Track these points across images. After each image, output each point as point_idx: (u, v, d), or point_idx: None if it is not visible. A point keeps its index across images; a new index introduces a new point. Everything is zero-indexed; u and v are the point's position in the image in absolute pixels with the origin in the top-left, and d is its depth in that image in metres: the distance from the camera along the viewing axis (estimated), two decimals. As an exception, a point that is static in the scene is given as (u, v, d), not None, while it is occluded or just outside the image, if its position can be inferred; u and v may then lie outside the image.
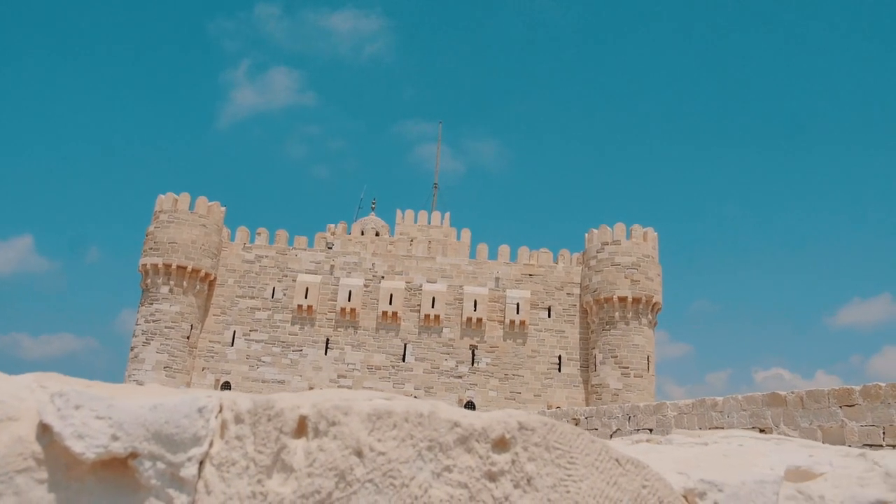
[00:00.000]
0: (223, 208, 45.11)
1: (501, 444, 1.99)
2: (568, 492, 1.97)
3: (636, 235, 43.82)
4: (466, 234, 48.43)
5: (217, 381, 42.54)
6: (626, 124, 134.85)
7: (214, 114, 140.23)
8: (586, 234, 45.75)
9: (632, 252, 43.31)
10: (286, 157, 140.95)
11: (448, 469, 1.92)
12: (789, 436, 15.93)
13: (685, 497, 2.13)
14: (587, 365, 44.20)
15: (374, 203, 56.31)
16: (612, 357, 42.04)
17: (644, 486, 2.04)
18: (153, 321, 41.49)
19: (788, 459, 2.87)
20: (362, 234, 49.62)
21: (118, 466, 1.80)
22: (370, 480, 1.86)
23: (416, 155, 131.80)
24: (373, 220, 53.75)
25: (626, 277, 42.72)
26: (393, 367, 44.10)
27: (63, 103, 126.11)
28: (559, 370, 44.51)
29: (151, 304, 41.88)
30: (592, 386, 42.84)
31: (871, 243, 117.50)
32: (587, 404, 42.51)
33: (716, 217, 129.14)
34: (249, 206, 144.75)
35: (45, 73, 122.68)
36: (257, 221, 72.86)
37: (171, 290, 41.96)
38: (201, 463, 1.83)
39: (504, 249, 46.70)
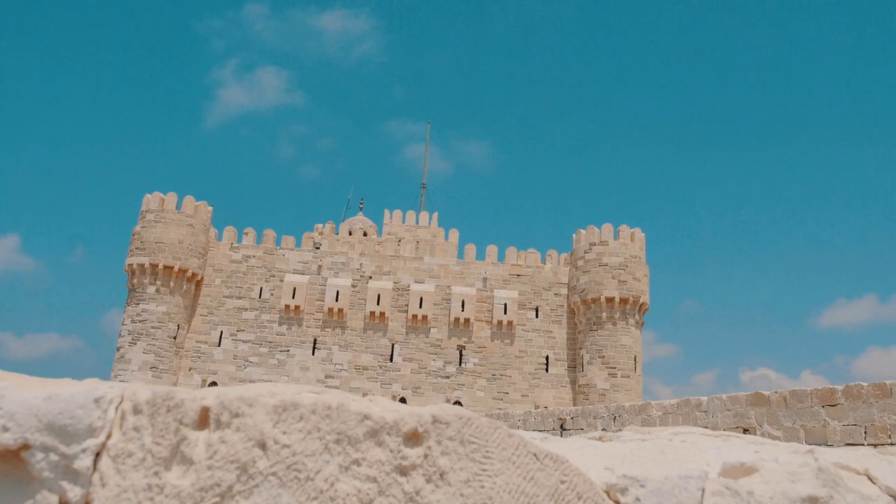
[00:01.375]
0: (210, 208, 44.95)
1: (414, 438, 1.94)
2: (482, 487, 1.92)
3: (623, 236, 43.86)
4: (454, 234, 48.38)
5: (204, 381, 42.37)
6: (615, 125, 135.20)
7: (202, 113, 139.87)
8: (574, 235, 45.78)
9: (619, 252, 43.34)
10: (274, 156, 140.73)
11: (357, 463, 1.87)
12: (773, 435, 15.99)
13: (607, 493, 2.09)
14: (574, 365, 44.21)
15: (361, 203, 56.28)
16: (599, 357, 42.06)
17: (562, 482, 2.00)
18: (140, 321, 41.29)
19: (731, 456, 2.83)
20: (350, 234, 49.52)
21: (10, 458, 1.74)
22: (273, 473, 1.81)
23: (405, 155, 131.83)
24: (361, 221, 53.66)
25: (613, 278, 42.75)
26: (380, 367, 44.02)
27: (50, 102, 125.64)
28: (547, 370, 44.51)
29: (138, 304, 41.67)
30: (580, 386, 42.85)
31: (857, 245, 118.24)
32: (574, 404, 42.52)
33: (703, 218, 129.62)
34: (237, 206, 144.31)
35: (32, 72, 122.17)
36: (245, 221, 72.67)
37: (157, 290, 41.76)
38: (98, 455, 1.78)
39: (492, 250, 46.67)
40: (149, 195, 43.56)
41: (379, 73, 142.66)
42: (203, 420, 1.85)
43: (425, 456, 1.92)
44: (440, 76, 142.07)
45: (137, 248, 42.28)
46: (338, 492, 1.83)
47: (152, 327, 41.14)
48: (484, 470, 1.95)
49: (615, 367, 41.65)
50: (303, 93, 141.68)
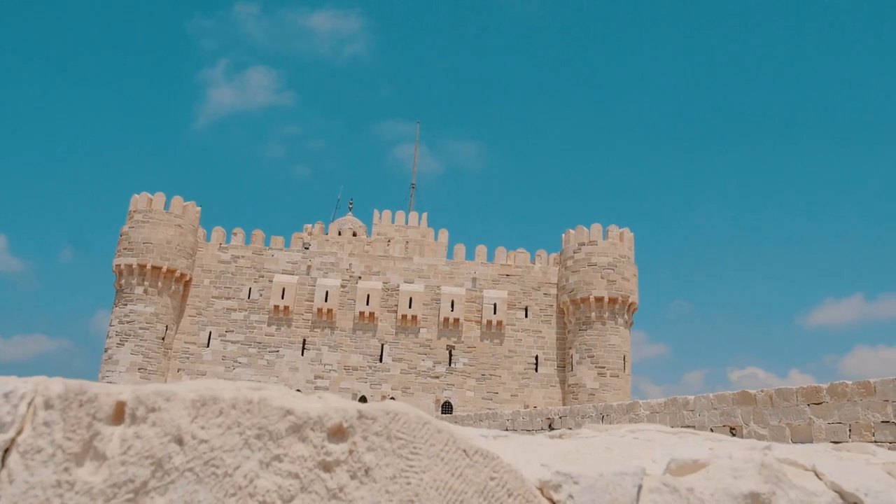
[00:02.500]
0: (198, 208, 44.80)
1: (339, 434, 1.90)
2: (409, 483, 1.89)
3: (612, 236, 43.91)
4: (444, 234, 48.35)
5: (192, 382, 42.16)
6: (604, 126, 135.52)
7: (192, 113, 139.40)
8: (563, 235, 45.81)
9: (608, 252, 43.39)
10: (264, 156, 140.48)
11: (278, 458, 1.83)
12: (759, 434, 16.01)
13: (541, 489, 2.05)
14: (564, 365, 44.24)
15: (351, 203, 56.21)
16: (588, 357, 42.10)
17: (492, 478, 1.96)
18: (127, 322, 41.11)
19: (683, 453, 2.80)
20: (339, 234, 49.43)
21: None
22: (190, 469, 1.77)
23: (395, 155, 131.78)
24: (350, 221, 53.57)
25: (602, 278, 42.80)
26: (370, 367, 43.95)
27: (38, 101, 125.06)
28: (536, 370, 44.53)
29: (126, 304, 41.49)
30: (569, 386, 42.87)
31: (845, 245, 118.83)
32: (564, 404, 42.54)
33: (692, 218, 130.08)
34: (226, 207, 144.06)
35: (21, 71, 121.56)
36: (234, 222, 72.44)
37: (145, 291, 41.59)
38: (7, 451, 1.73)
39: (481, 250, 46.66)
40: (137, 195, 43.36)
41: (369, 73, 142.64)
42: (118, 415, 1.81)
43: (350, 452, 1.88)
44: (430, 76, 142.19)
45: (125, 249, 42.09)
46: (257, 488, 1.79)
47: (140, 328, 40.97)
48: (411, 466, 1.91)
49: (604, 367, 41.69)
50: (293, 93, 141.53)
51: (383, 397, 43.28)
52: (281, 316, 44.38)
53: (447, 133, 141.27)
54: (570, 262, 44.43)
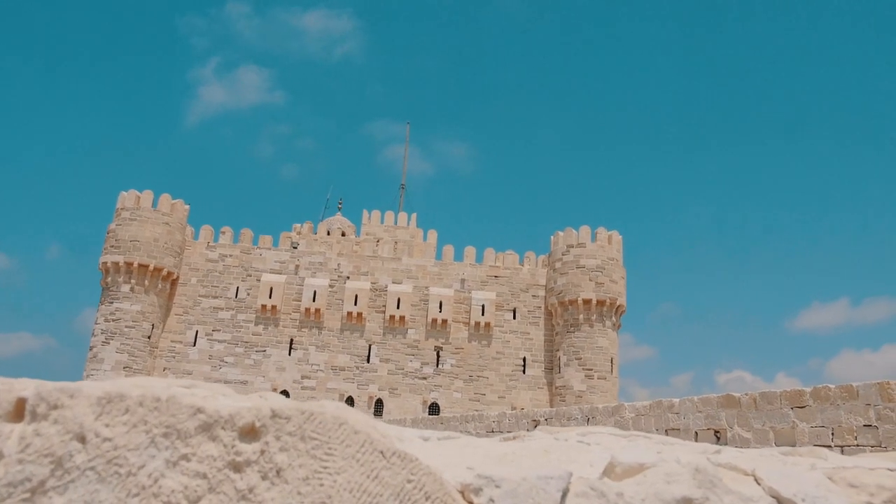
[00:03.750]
0: (187, 206, 44.61)
1: (251, 433, 1.86)
2: (321, 485, 1.84)
3: (601, 238, 43.97)
4: (433, 235, 48.32)
5: (178, 380, 41.99)
6: (594, 128, 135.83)
7: (182, 111, 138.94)
8: (552, 237, 45.85)
9: (596, 255, 43.44)
10: (254, 155, 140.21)
11: (186, 458, 1.79)
12: (743, 437, 16.02)
13: (462, 493, 2.01)
14: (551, 367, 44.26)
15: (340, 203, 56.13)
16: (576, 359, 42.14)
17: (409, 481, 1.92)
18: (113, 320, 40.91)
19: (626, 456, 2.76)
20: (328, 234, 49.32)
21: None
22: (92, 468, 1.72)
23: (386, 156, 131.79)
24: (339, 221, 53.46)
25: (590, 280, 42.84)
26: (357, 367, 43.87)
27: (27, 97, 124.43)
28: (524, 372, 44.54)
29: (112, 302, 41.28)
30: (556, 388, 42.89)
31: (831, 249, 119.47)
32: (551, 406, 42.54)
33: (680, 221, 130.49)
34: (215, 205, 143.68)
35: (9, 67, 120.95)
36: (223, 220, 72.31)
37: (132, 289, 41.39)
38: None
39: (470, 251, 46.64)
40: (124, 193, 43.16)
41: (360, 73, 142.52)
42: (18, 412, 1.76)
43: (262, 452, 1.84)
44: (421, 77, 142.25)
45: (112, 246, 41.89)
46: (162, 488, 1.75)
47: (126, 326, 40.77)
48: (325, 467, 1.87)
49: (592, 369, 41.74)
50: (284, 92, 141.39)
51: (370, 398, 43.22)
52: (268, 315, 44.25)
53: (437, 134, 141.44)
54: (558, 264, 44.46)
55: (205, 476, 1.79)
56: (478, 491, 1.99)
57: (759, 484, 2.51)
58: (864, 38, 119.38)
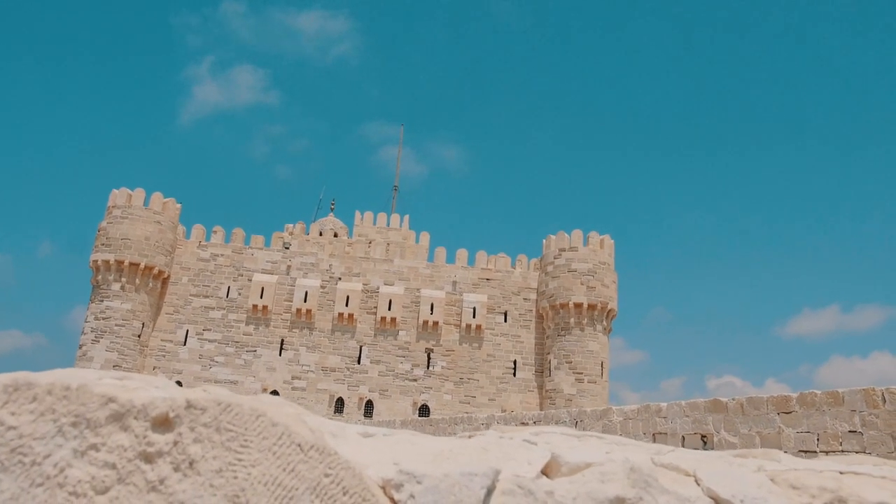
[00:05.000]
0: (179, 205, 44.51)
1: (164, 424, 1.82)
2: (235, 477, 1.81)
3: (593, 242, 44.00)
4: (425, 237, 48.29)
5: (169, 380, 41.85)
6: (587, 133, 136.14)
7: (176, 110, 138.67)
8: (544, 240, 45.86)
9: (588, 259, 43.45)
10: (248, 155, 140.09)
11: (95, 447, 1.76)
12: (730, 442, 16.02)
13: (383, 488, 1.98)
14: (542, 370, 44.26)
15: (333, 204, 56.00)
16: (566, 362, 42.12)
17: (327, 475, 1.89)
18: (103, 318, 40.76)
19: (573, 456, 2.73)
20: (320, 234, 49.22)
21: None
22: (-6, 458, 1.68)
23: (379, 157, 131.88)
24: (331, 221, 53.38)
25: (582, 284, 42.84)
26: (348, 368, 43.79)
27: (20, 94, 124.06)
28: (514, 375, 44.52)
29: (102, 301, 41.14)
30: (547, 391, 42.87)
31: (822, 256, 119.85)
32: (542, 409, 42.51)
33: (672, 227, 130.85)
34: (208, 205, 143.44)
35: (1, 64, 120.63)
36: (215, 220, 72.23)
37: (122, 287, 41.26)
38: None
39: (462, 253, 46.61)
40: (116, 190, 43.04)
41: (355, 74, 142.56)
42: (-79, 400, 1.72)
43: (175, 443, 1.81)
44: (416, 80, 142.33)
45: (103, 245, 41.76)
46: (68, 478, 1.72)
47: (116, 325, 40.64)
48: (239, 460, 1.84)
49: (582, 373, 41.73)
50: (279, 92, 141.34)
51: (361, 399, 43.14)
52: (259, 316, 44.16)
53: (431, 136, 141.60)
54: (550, 268, 44.46)
55: (114, 466, 1.76)
56: (398, 487, 1.96)
57: (699, 485, 2.48)
58: (847, 49, 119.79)
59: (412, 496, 1.95)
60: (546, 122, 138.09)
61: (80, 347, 40.69)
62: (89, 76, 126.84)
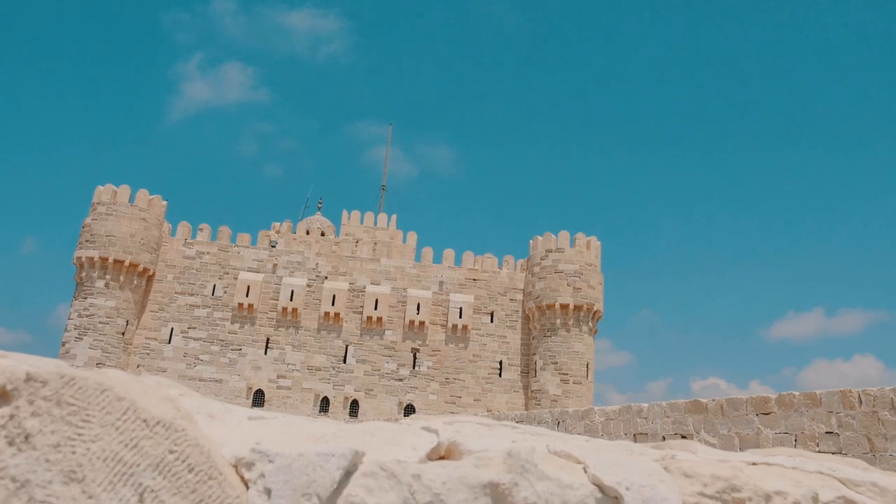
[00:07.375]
0: (164, 202, 44.31)
1: (2, 396, 1.78)
2: (74, 453, 1.76)
3: (580, 244, 44.03)
4: (412, 237, 48.26)
5: (152, 377, 41.67)
6: (575, 134, 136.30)
7: (164, 107, 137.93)
8: (531, 241, 45.88)
9: (575, 260, 43.49)
10: (236, 153, 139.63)
11: (-77, 421, 1.71)
12: (710, 442, 16.02)
13: (235, 467, 1.94)
14: (528, 370, 44.26)
15: (320, 203, 55.95)
16: (552, 363, 42.14)
17: (171, 452, 1.85)
18: (87, 316, 40.56)
19: (479, 444, 2.70)
20: (307, 233, 49.13)
21: None
22: None
23: (368, 157, 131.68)
24: (318, 220, 53.29)
25: (568, 285, 42.87)
26: (333, 368, 43.70)
27: (4, 90, 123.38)
28: (500, 375, 44.51)
29: (86, 298, 40.93)
30: (532, 391, 42.88)
31: (807, 259, 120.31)
32: (527, 409, 42.51)
33: (659, 229, 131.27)
34: (195, 202, 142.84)
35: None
36: (202, 218, 71.70)
37: (106, 285, 41.05)
38: None
39: (449, 253, 46.58)
40: (101, 187, 42.81)
41: (345, 73, 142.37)
42: None
43: (11, 416, 1.76)
44: (406, 80, 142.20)
45: (87, 241, 41.55)
46: None
47: (100, 322, 40.44)
48: (79, 434, 1.79)
49: (567, 374, 41.75)
50: (268, 90, 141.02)
51: (346, 399, 43.07)
52: (245, 314, 44.02)
53: (420, 136, 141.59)
54: (536, 269, 44.48)
55: (-58, 441, 1.71)
56: (250, 465, 1.92)
57: (586, 472, 2.45)
58: (827, 58, 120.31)
59: (262, 475, 1.91)
60: (535, 123, 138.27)
61: (63, 345, 40.49)
62: (77, 72, 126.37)
